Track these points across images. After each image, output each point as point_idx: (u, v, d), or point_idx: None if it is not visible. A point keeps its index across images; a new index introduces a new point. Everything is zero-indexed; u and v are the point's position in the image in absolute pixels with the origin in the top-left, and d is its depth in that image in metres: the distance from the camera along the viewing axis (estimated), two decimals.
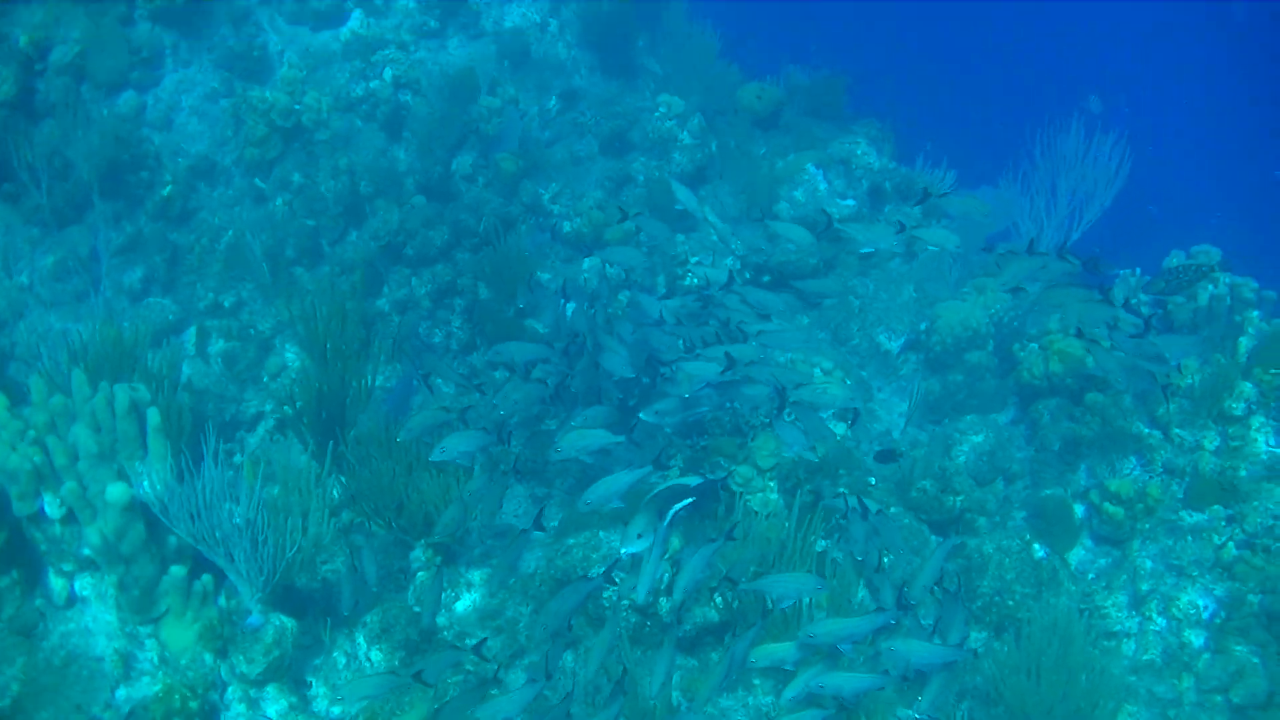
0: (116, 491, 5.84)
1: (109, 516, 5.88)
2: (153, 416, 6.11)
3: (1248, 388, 7.29)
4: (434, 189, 9.60)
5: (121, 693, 6.05)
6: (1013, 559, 6.65)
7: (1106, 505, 7.00)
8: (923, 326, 8.57)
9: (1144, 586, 6.77)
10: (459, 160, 9.78)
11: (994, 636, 6.42)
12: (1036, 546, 6.96)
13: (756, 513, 6.22)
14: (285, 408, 6.62)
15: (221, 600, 6.24)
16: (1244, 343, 7.64)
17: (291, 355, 8.68)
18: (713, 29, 11.06)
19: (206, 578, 6.15)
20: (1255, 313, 7.81)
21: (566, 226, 9.29)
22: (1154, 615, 6.68)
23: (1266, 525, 6.81)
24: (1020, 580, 6.58)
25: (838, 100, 10.70)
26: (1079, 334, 6.79)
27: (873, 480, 6.89)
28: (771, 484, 6.50)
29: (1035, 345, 7.94)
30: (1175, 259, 8.56)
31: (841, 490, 6.50)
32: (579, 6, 10.95)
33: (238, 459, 6.13)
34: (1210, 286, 8.14)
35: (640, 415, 6.31)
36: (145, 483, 6.08)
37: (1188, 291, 8.19)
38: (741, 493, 6.42)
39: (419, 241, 9.11)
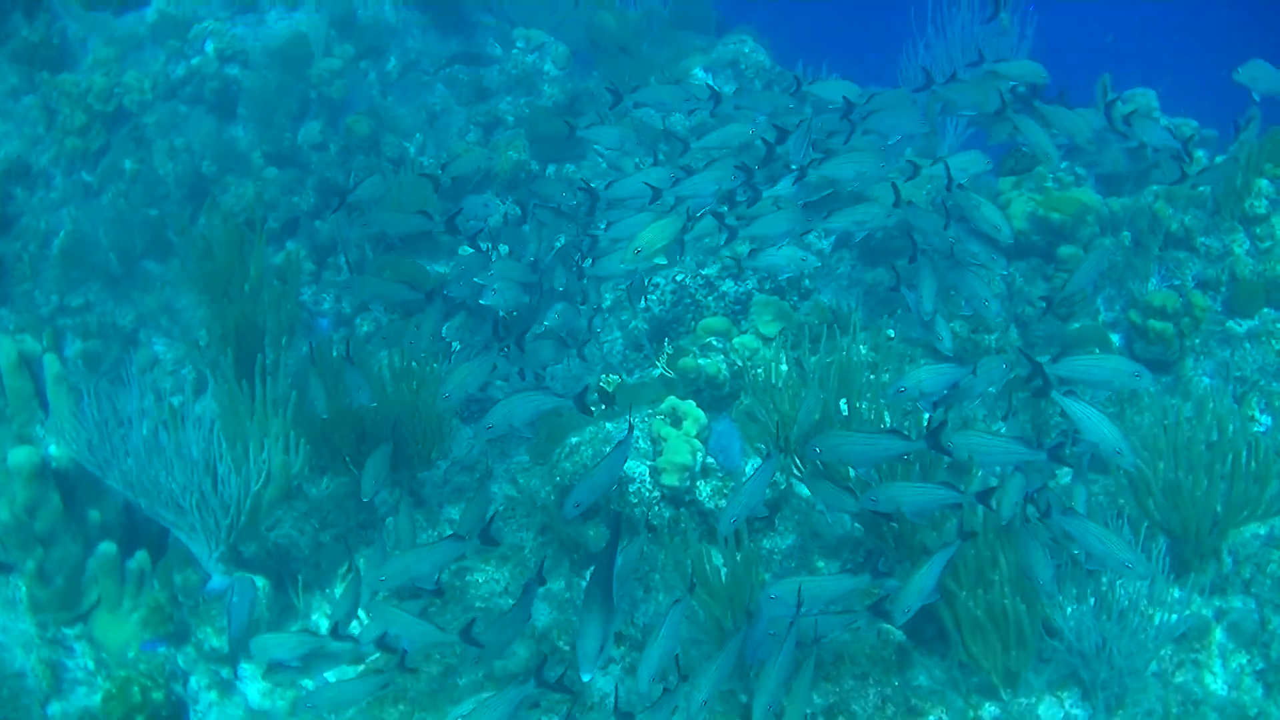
0: (21, 455, 4.77)
1: (16, 489, 4.79)
2: (50, 364, 5.04)
3: (1265, 184, 6.90)
4: (284, 160, 8.64)
5: (55, 708, 4.93)
6: None
7: (1151, 323, 6.37)
8: None
9: (1239, 388, 6.23)
10: (305, 129, 8.83)
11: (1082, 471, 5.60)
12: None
13: (776, 386, 5.39)
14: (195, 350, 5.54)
15: (156, 585, 5.18)
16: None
17: (161, 347, 7.60)
18: None
19: (141, 554, 5.09)
20: (1200, 152, 7.49)
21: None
22: (1256, 414, 6.16)
23: None
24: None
25: (705, 12, 10.11)
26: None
27: (891, 333, 6.18)
28: (781, 355, 5.72)
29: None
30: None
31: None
32: None
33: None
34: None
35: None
36: (53, 446, 5.01)
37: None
38: (748, 366, 5.66)
39: (283, 210, 8.16)
